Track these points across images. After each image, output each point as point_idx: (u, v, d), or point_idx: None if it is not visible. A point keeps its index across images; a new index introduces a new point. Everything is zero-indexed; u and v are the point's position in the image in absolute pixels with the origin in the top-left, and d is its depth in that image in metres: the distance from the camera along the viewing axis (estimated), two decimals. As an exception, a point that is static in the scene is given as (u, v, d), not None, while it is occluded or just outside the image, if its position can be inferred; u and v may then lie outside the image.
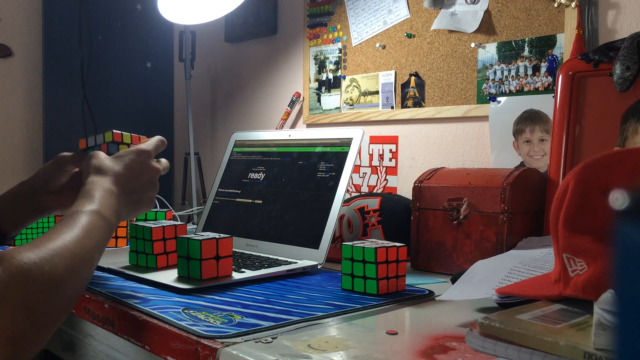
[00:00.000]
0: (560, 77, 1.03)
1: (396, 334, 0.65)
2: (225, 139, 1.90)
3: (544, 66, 1.18)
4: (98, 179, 0.78)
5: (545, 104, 1.16)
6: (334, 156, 1.09)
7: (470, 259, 0.98)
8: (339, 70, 1.59)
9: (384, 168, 1.48)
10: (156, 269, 0.94)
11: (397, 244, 0.84)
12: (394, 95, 1.45)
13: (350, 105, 1.55)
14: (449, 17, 1.33)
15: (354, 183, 1.53)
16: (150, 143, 0.88)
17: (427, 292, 0.85)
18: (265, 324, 0.67)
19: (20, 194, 0.90)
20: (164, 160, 0.90)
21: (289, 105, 1.68)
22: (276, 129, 1.70)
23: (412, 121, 1.43)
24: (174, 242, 0.96)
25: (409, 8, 1.41)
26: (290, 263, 0.98)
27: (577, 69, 1.01)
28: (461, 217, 1.00)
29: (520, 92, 1.22)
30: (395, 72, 1.44)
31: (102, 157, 0.82)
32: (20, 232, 0.95)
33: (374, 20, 1.50)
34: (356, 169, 1.52)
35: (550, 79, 1.17)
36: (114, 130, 0.91)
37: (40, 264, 0.55)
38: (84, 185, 0.76)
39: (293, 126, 1.73)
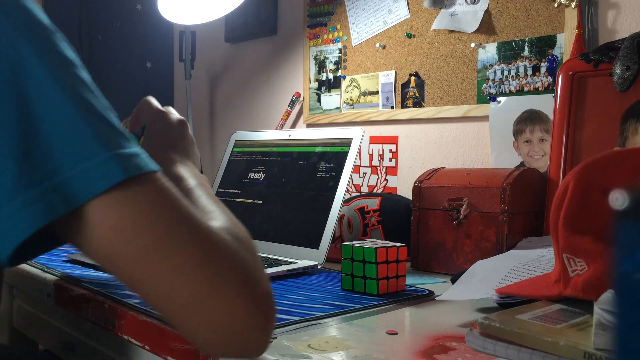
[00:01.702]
0: (560, 77, 1.03)
1: (396, 334, 0.65)
2: (225, 139, 1.90)
3: (544, 66, 1.18)
4: (168, 157, 0.74)
5: (545, 104, 1.16)
6: (334, 156, 1.09)
7: (470, 259, 0.98)
8: (339, 70, 1.59)
9: (384, 168, 1.48)
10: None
11: (397, 244, 0.84)
12: (394, 95, 1.45)
13: (350, 105, 1.55)
14: (449, 17, 1.33)
15: (354, 183, 1.53)
16: (144, 105, 0.88)
17: (427, 292, 0.85)
18: (265, 324, 0.66)
19: None
20: (171, 108, 0.90)
21: (289, 105, 1.68)
22: (276, 129, 1.70)
23: (412, 121, 1.43)
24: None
25: (409, 8, 1.41)
26: (290, 263, 0.98)
27: (577, 69, 1.01)
28: (461, 217, 1.00)
29: (520, 92, 1.22)
30: (395, 72, 1.44)
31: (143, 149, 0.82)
32: None
33: (374, 20, 1.50)
34: (356, 169, 1.52)
35: (550, 79, 1.17)
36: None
37: (236, 230, 0.54)
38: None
39: (293, 126, 1.73)
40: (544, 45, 1.18)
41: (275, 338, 0.62)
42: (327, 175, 1.07)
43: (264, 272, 0.52)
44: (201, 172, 0.79)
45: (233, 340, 0.47)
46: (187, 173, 0.70)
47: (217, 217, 0.57)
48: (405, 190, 1.39)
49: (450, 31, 1.33)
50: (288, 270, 0.94)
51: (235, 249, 0.49)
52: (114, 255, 0.46)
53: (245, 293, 0.47)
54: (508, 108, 1.22)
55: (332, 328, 0.67)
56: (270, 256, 1.04)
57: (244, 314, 0.47)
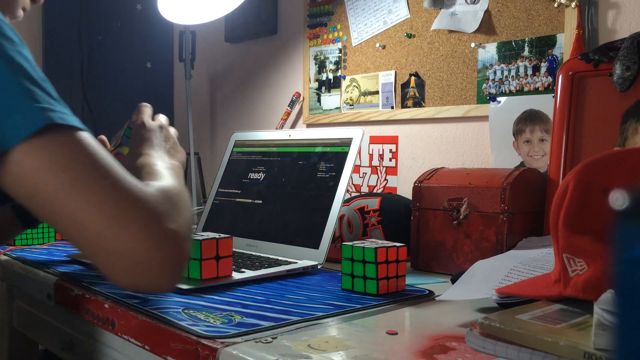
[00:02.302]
0: (560, 77, 1.03)
1: (396, 334, 0.65)
2: (225, 139, 1.90)
3: (544, 66, 1.18)
4: (143, 157, 0.83)
5: (545, 104, 1.16)
6: (334, 156, 1.09)
7: (470, 259, 0.98)
8: (339, 70, 1.59)
9: (384, 168, 1.48)
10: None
11: (397, 244, 0.84)
12: (394, 95, 1.45)
13: (350, 105, 1.55)
14: (449, 17, 1.33)
15: (354, 183, 1.53)
16: (139, 113, 0.97)
17: (427, 292, 0.85)
18: (265, 324, 0.67)
19: None
20: (161, 115, 0.98)
21: (289, 105, 1.68)
22: (276, 129, 1.70)
23: (412, 121, 1.43)
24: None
25: (409, 8, 1.41)
26: (290, 263, 0.98)
27: (577, 69, 1.01)
28: (461, 217, 1.00)
29: (520, 92, 1.22)
30: (395, 72, 1.44)
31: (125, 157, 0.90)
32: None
33: (374, 20, 1.50)
34: (356, 169, 1.52)
35: (550, 79, 1.17)
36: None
37: (168, 187, 0.65)
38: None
39: (293, 126, 1.73)
40: (544, 45, 1.18)
41: (276, 338, 0.62)
42: (327, 175, 1.07)
43: (180, 220, 0.60)
44: (185, 173, 0.85)
45: (135, 271, 0.56)
46: (158, 161, 0.80)
47: (160, 180, 0.69)
48: (405, 190, 1.39)
49: (450, 31, 1.33)
50: (288, 270, 0.94)
51: (150, 195, 0.58)
52: (34, 193, 0.55)
53: (148, 229, 0.56)
54: (508, 108, 1.22)
55: (332, 328, 0.67)
56: (270, 256, 1.04)
57: (147, 247, 0.55)
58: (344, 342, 0.62)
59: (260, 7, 1.80)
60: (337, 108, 1.59)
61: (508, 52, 1.23)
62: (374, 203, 1.14)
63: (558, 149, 1.02)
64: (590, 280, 0.58)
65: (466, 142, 1.33)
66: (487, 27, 1.27)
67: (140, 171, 0.77)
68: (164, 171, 0.76)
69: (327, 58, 1.61)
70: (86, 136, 0.57)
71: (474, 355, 0.57)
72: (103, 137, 0.97)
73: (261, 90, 1.87)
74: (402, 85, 1.43)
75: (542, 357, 0.50)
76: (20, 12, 0.83)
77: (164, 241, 0.57)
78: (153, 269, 0.56)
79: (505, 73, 1.24)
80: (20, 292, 1.13)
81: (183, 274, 0.61)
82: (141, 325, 0.71)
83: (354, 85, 1.54)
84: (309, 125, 1.68)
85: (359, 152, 1.14)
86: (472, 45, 1.28)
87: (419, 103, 1.40)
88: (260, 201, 1.17)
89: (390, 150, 1.47)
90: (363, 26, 1.52)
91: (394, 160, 1.47)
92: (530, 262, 0.81)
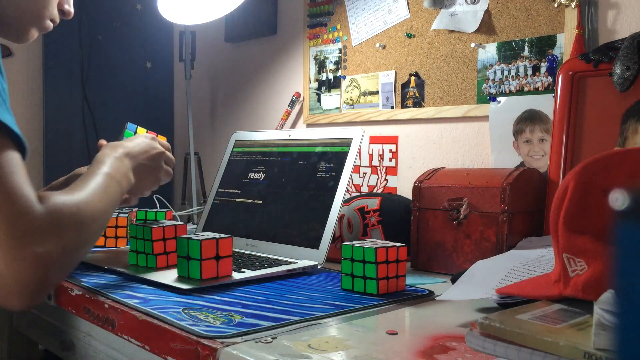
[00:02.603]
0: (560, 77, 1.03)
1: (396, 334, 0.65)
2: (225, 139, 1.90)
3: (544, 66, 1.18)
4: (109, 151, 0.87)
5: (545, 104, 1.16)
6: (334, 156, 1.09)
7: (470, 259, 0.98)
8: (339, 70, 1.59)
9: (384, 168, 1.48)
10: (156, 269, 0.94)
11: (397, 244, 0.84)
12: (394, 95, 1.45)
13: (350, 105, 1.55)
14: (449, 17, 1.33)
15: (354, 183, 1.53)
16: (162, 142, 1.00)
17: (427, 292, 0.85)
18: (265, 324, 0.67)
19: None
20: (166, 144, 1.00)
21: (289, 105, 1.68)
22: (276, 129, 1.70)
23: (412, 121, 1.43)
24: (174, 242, 0.96)
25: (409, 8, 1.41)
26: (290, 263, 0.98)
27: (577, 69, 1.01)
28: (461, 217, 1.00)
29: (520, 92, 1.22)
30: (395, 72, 1.44)
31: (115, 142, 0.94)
32: None
33: (374, 20, 1.50)
34: (356, 169, 1.52)
35: (550, 79, 1.17)
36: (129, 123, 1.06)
37: (72, 206, 0.66)
38: (96, 156, 0.85)
39: (293, 126, 1.73)
40: (544, 45, 1.18)
41: (276, 338, 0.62)
42: (327, 175, 1.07)
43: (59, 242, 0.62)
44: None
45: None
46: (112, 166, 0.82)
47: (80, 190, 0.70)
48: (405, 190, 1.39)
49: (450, 31, 1.33)
50: (288, 270, 0.94)
51: (31, 213, 0.59)
52: None
53: (6, 247, 0.57)
54: (508, 108, 1.22)
55: (332, 328, 0.67)
56: (270, 256, 1.04)
57: (7, 267, 0.57)
58: (344, 342, 0.62)
59: (260, 7, 1.80)
60: (337, 108, 1.59)
61: (508, 52, 1.23)
62: (374, 203, 1.14)
63: (558, 149, 1.02)
64: (590, 280, 0.58)
65: (466, 142, 1.33)
66: (487, 27, 1.27)
67: (89, 168, 0.81)
68: (98, 178, 0.77)
69: (327, 58, 1.61)
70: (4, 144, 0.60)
71: (474, 355, 0.57)
72: (103, 141, 0.98)
73: (261, 90, 1.87)
74: (402, 85, 1.43)
75: (542, 357, 0.50)
76: (49, 23, 0.88)
77: (20, 263, 0.58)
78: (2, 286, 0.58)
79: (505, 73, 1.24)
80: (20, 292, 1.13)
81: (43, 296, 0.62)
82: (141, 325, 0.71)
83: (354, 85, 1.54)
84: (309, 125, 1.68)
85: (359, 152, 1.14)
86: (472, 45, 1.28)
87: (419, 103, 1.40)
88: (260, 201, 1.17)
89: (390, 150, 1.47)
90: (363, 26, 1.52)
91: (394, 160, 1.47)
92: (530, 262, 0.81)
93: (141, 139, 0.95)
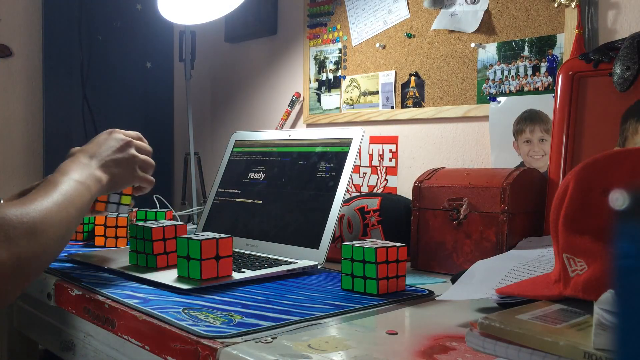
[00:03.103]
0: (560, 77, 1.03)
1: (396, 334, 0.65)
2: (225, 139, 1.90)
3: (544, 66, 1.18)
4: (70, 159, 0.88)
5: (545, 104, 1.16)
6: (334, 156, 1.09)
7: (470, 259, 0.98)
8: (339, 70, 1.59)
9: (384, 168, 1.48)
10: (156, 269, 0.94)
11: (397, 244, 0.84)
12: (394, 95, 1.45)
13: (350, 105, 1.55)
14: (449, 17, 1.33)
15: (354, 183, 1.53)
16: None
17: (427, 292, 0.85)
18: (265, 324, 0.67)
19: None
20: (133, 133, 0.98)
21: (289, 105, 1.68)
22: (276, 129, 1.70)
23: (412, 121, 1.43)
24: (174, 242, 0.96)
25: (409, 8, 1.41)
26: (290, 263, 0.98)
27: (577, 69, 1.01)
28: (461, 217, 1.00)
29: (520, 92, 1.22)
30: (395, 72, 1.44)
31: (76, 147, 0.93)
32: None
33: (374, 20, 1.50)
34: (356, 169, 1.52)
35: (550, 79, 1.17)
36: None
37: (21, 215, 0.67)
38: (60, 165, 0.86)
39: (293, 126, 1.73)
40: (544, 45, 1.18)
41: (276, 338, 0.62)
42: (327, 175, 1.07)
43: (4, 254, 0.63)
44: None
45: None
46: (76, 171, 0.83)
47: (42, 197, 0.71)
48: (405, 190, 1.39)
49: (450, 31, 1.33)
50: (288, 270, 0.94)
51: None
52: None
53: None
54: (508, 108, 1.22)
55: (332, 328, 0.67)
56: (270, 256, 1.04)
57: None
58: (344, 342, 0.62)
59: (260, 7, 1.80)
60: (337, 108, 1.59)
61: (508, 52, 1.23)
62: (374, 203, 1.14)
63: (558, 149, 1.02)
64: (590, 280, 0.58)
65: (466, 142, 1.33)
66: (487, 27, 1.27)
67: (55, 173, 0.81)
68: (60, 185, 0.77)
69: (327, 58, 1.61)
70: None
71: (474, 355, 0.57)
72: (75, 148, 0.98)
73: (261, 90, 1.87)
74: (402, 85, 1.43)
75: (542, 357, 0.50)
76: None
77: None
78: None
79: (505, 73, 1.24)
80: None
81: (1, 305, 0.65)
82: (141, 325, 0.71)
83: (354, 85, 1.54)
84: (309, 125, 1.68)
85: (359, 152, 1.14)
86: (472, 45, 1.28)
87: (419, 103, 1.40)
88: (260, 201, 1.17)
89: (390, 150, 1.47)
90: (363, 26, 1.52)
91: (394, 160, 1.47)
92: (530, 262, 0.81)
93: (101, 137, 0.94)
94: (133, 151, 0.95)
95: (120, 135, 0.95)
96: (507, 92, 1.24)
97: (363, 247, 0.82)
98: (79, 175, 0.82)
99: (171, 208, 1.55)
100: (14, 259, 0.63)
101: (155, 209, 1.32)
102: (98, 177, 0.86)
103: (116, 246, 1.22)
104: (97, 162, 0.88)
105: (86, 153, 0.89)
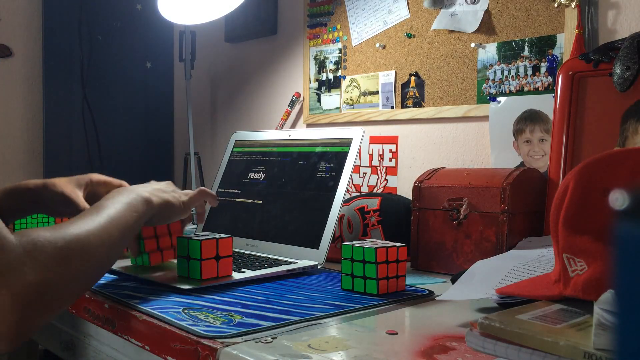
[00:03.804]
0: (560, 77, 1.03)
1: (396, 334, 0.65)
2: (225, 139, 1.90)
3: (544, 66, 1.18)
4: (122, 189, 0.82)
5: (545, 104, 1.16)
6: (334, 156, 1.09)
7: (470, 259, 0.98)
8: (339, 70, 1.59)
9: (384, 168, 1.48)
10: (150, 266, 0.94)
11: (397, 244, 0.84)
12: (394, 95, 1.45)
13: (350, 105, 1.55)
14: (449, 17, 1.33)
15: (354, 183, 1.53)
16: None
17: (427, 292, 0.85)
18: (265, 324, 0.67)
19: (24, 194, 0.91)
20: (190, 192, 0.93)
21: (289, 105, 1.68)
22: (276, 129, 1.70)
23: (412, 121, 1.43)
24: (167, 238, 0.96)
25: (409, 8, 1.41)
26: (290, 263, 0.98)
27: (577, 69, 1.01)
28: (461, 217, 1.00)
29: (520, 92, 1.22)
30: (395, 72, 1.44)
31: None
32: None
33: (374, 20, 1.50)
34: (356, 169, 1.52)
35: (550, 79, 1.17)
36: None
37: (53, 240, 0.62)
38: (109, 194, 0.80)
39: (293, 126, 1.73)
40: (544, 45, 1.18)
41: (276, 338, 0.62)
42: (327, 175, 1.07)
43: (23, 281, 0.58)
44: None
45: None
46: (122, 194, 0.78)
47: (70, 228, 0.65)
48: (405, 190, 1.39)
49: (450, 31, 1.33)
50: (288, 270, 0.94)
51: (16, 251, 0.58)
52: None
53: None
54: (508, 108, 1.22)
55: (332, 328, 0.67)
56: (270, 256, 1.04)
57: None
58: (344, 342, 0.62)
59: (260, 7, 1.80)
60: (337, 108, 1.59)
61: (508, 52, 1.23)
62: (374, 203, 1.14)
63: (558, 149, 1.02)
64: (590, 280, 0.58)
65: (466, 142, 1.33)
66: (487, 27, 1.27)
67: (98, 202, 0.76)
68: (107, 209, 0.72)
69: (327, 58, 1.61)
70: None
71: (474, 355, 0.57)
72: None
73: (261, 90, 1.87)
74: (402, 85, 1.43)
75: (542, 357, 0.50)
76: None
77: (8, 304, 0.56)
78: None
79: (505, 73, 1.24)
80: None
81: (26, 336, 0.59)
82: (141, 325, 0.71)
83: (354, 85, 1.54)
84: (309, 125, 1.68)
85: (359, 152, 1.14)
86: (472, 45, 1.28)
87: (419, 103, 1.40)
88: (260, 201, 1.17)
89: (390, 150, 1.47)
90: (363, 26, 1.52)
91: (394, 160, 1.47)
92: (530, 262, 0.81)
93: (157, 183, 0.90)
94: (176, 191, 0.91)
95: (176, 195, 0.90)
96: (507, 92, 1.24)
97: (363, 247, 0.82)
98: (125, 197, 0.77)
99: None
100: (43, 284, 0.59)
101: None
102: (146, 198, 0.81)
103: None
104: (143, 189, 0.84)
105: (136, 192, 0.83)
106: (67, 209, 0.89)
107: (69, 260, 0.62)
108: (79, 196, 0.90)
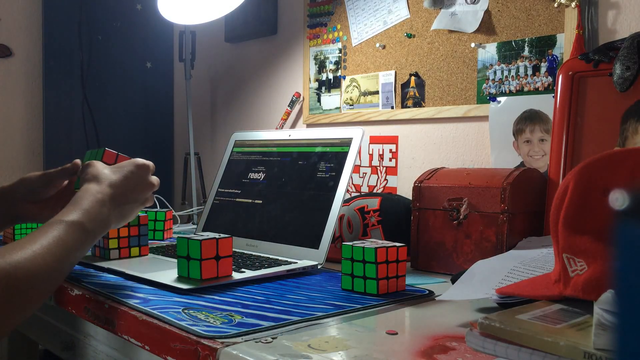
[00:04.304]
0: (560, 77, 1.03)
1: (396, 334, 0.65)
2: (225, 139, 1.90)
3: (544, 66, 1.18)
4: (92, 186, 0.79)
5: (545, 104, 1.16)
6: (333, 156, 1.09)
7: (470, 259, 0.98)
8: (339, 70, 1.59)
9: (384, 168, 1.48)
10: (150, 267, 0.94)
11: (397, 244, 0.84)
12: (394, 95, 1.45)
13: (350, 105, 1.55)
14: (449, 17, 1.33)
15: (354, 183, 1.53)
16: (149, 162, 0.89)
17: (427, 292, 0.85)
18: (265, 324, 0.67)
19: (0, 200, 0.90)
20: (155, 178, 0.89)
21: (289, 105, 1.68)
22: (276, 129, 1.70)
23: (412, 121, 1.43)
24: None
25: (409, 8, 1.41)
26: (290, 263, 0.98)
27: (577, 69, 1.01)
28: (461, 217, 1.00)
29: (520, 92, 1.22)
30: (395, 72, 1.44)
31: (99, 166, 0.84)
32: None
33: (374, 20, 1.50)
34: (356, 169, 1.52)
35: (550, 79, 1.17)
36: (106, 149, 0.91)
37: (20, 266, 0.63)
38: (78, 193, 0.78)
39: (293, 126, 1.73)
40: (544, 45, 1.18)
41: (276, 338, 0.62)
42: (327, 175, 1.07)
43: None
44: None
45: None
46: (89, 208, 0.75)
47: (16, 252, 0.64)
48: (405, 190, 1.39)
49: (450, 31, 1.33)
50: (288, 270, 0.94)
51: None
52: None
53: None
54: (508, 108, 1.22)
55: (332, 328, 0.67)
56: (270, 256, 1.04)
57: None
58: (344, 342, 0.62)
59: (260, 7, 1.80)
60: (337, 108, 1.59)
61: (508, 52, 1.23)
62: (374, 203, 1.14)
63: (558, 149, 1.02)
64: (590, 280, 0.58)
65: (466, 142, 1.33)
66: (487, 27, 1.27)
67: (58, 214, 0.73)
68: (57, 230, 0.69)
69: (327, 58, 1.61)
70: None
71: (474, 355, 0.57)
72: (77, 161, 0.91)
73: (261, 90, 1.87)
74: (402, 85, 1.43)
75: (542, 357, 0.50)
76: None
77: None
78: None
79: (505, 73, 1.24)
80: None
81: None
82: (141, 325, 0.71)
83: (354, 85, 1.54)
84: (309, 125, 1.68)
85: (359, 152, 1.14)
86: (472, 45, 1.28)
87: (419, 103, 1.40)
88: (260, 201, 1.17)
89: (390, 150, 1.47)
90: (363, 26, 1.52)
91: (394, 160, 1.47)
92: (530, 262, 0.81)
93: (129, 170, 0.84)
94: (149, 202, 0.88)
95: (150, 184, 0.87)
96: (507, 92, 1.24)
97: (363, 247, 0.82)
98: (89, 219, 0.74)
99: (171, 208, 1.55)
100: (9, 310, 0.58)
101: (155, 209, 1.32)
102: (109, 225, 0.78)
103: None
104: (118, 211, 0.80)
105: (114, 196, 0.80)
106: (46, 188, 0.90)
107: (14, 293, 0.61)
108: (56, 169, 0.91)
